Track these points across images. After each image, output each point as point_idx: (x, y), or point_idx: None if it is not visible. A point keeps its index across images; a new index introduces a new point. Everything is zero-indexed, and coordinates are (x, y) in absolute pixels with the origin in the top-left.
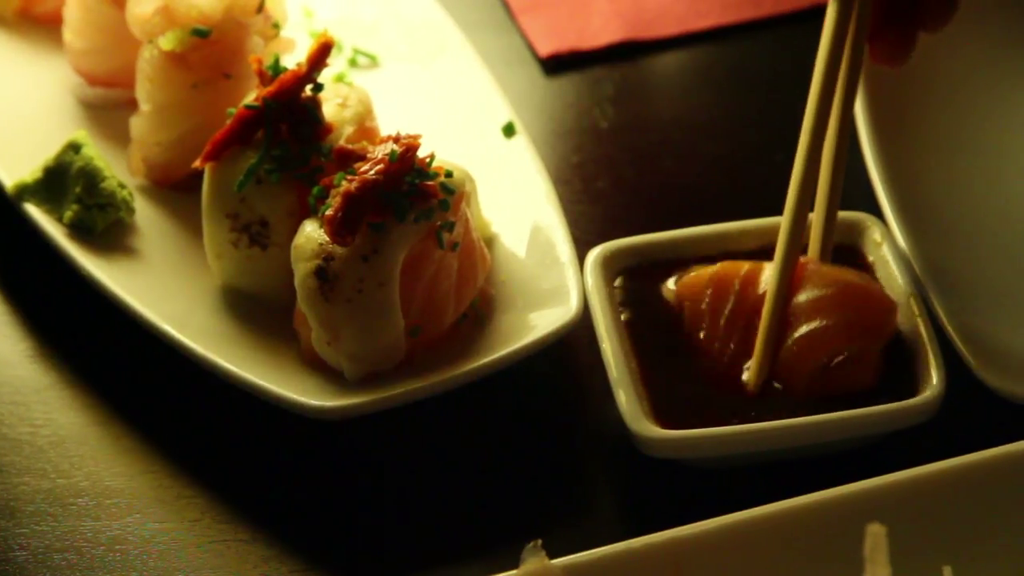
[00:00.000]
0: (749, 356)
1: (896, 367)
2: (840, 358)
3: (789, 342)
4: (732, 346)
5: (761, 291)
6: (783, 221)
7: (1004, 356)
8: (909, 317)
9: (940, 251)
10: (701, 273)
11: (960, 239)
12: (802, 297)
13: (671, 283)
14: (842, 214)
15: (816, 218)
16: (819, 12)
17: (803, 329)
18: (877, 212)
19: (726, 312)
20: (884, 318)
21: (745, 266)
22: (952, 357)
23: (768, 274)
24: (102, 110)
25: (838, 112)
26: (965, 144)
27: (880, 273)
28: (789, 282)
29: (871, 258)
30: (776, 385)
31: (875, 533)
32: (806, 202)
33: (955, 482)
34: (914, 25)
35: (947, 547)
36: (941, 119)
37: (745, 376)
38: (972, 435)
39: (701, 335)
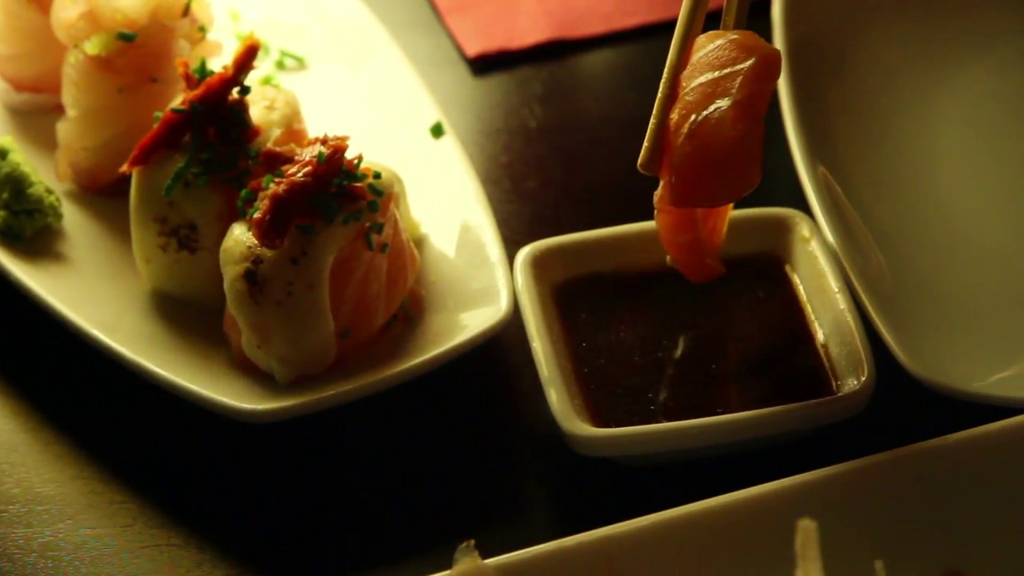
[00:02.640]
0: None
1: (826, 361)
2: (701, 116)
3: (671, 116)
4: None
5: None
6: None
7: (933, 349)
8: (838, 312)
9: (868, 246)
10: None
11: (888, 234)
12: (686, 69)
13: None
14: (771, 210)
15: None
16: None
17: (679, 97)
18: (806, 208)
19: None
20: (743, 66)
21: None
22: (881, 350)
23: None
24: (28, 115)
25: None
26: (891, 140)
27: (809, 268)
28: (684, 61)
29: (800, 254)
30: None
31: (806, 528)
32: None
33: (886, 476)
34: None
35: (878, 541)
36: (868, 116)
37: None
38: (902, 428)
39: None
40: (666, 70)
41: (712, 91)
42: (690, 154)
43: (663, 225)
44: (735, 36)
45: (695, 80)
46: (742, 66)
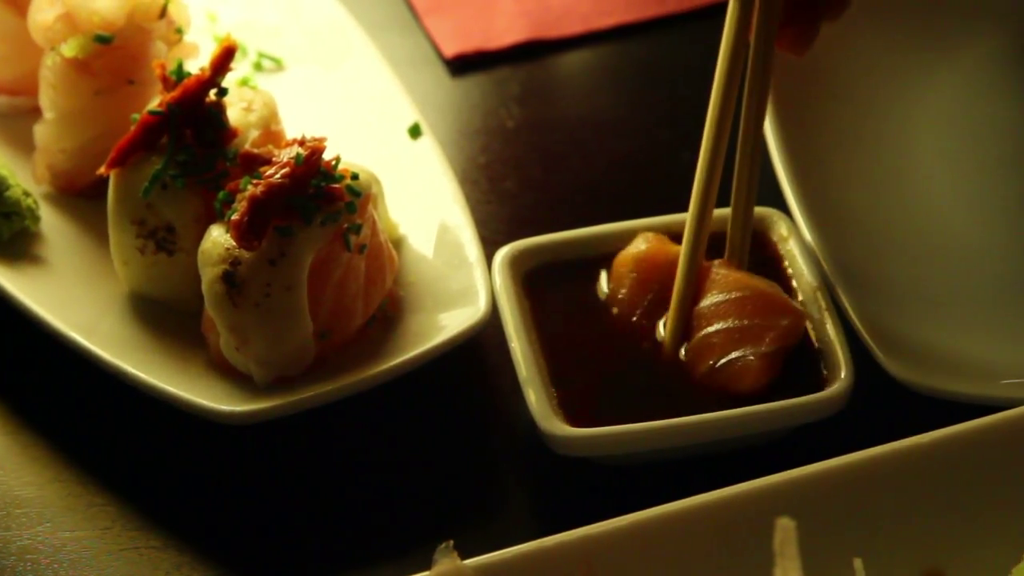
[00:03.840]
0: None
1: (804, 361)
2: (725, 360)
3: (691, 342)
4: (651, 329)
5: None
6: (692, 200)
7: (910, 347)
8: (816, 311)
9: (846, 245)
10: (627, 253)
11: (866, 232)
12: (706, 301)
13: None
14: None
15: (732, 219)
16: (723, 8)
17: (700, 332)
18: (783, 207)
19: (648, 297)
20: (776, 322)
21: (671, 249)
22: (859, 350)
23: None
24: (5, 118)
25: (752, 118)
26: (869, 138)
27: (787, 267)
28: (696, 273)
29: (779, 252)
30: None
31: (784, 527)
32: (713, 186)
33: (864, 474)
34: (817, 14)
35: (857, 539)
36: (845, 114)
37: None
38: (880, 427)
39: (617, 313)
40: (673, 304)
41: (739, 338)
42: (708, 387)
43: None
44: (767, 289)
45: (720, 323)
46: (776, 322)
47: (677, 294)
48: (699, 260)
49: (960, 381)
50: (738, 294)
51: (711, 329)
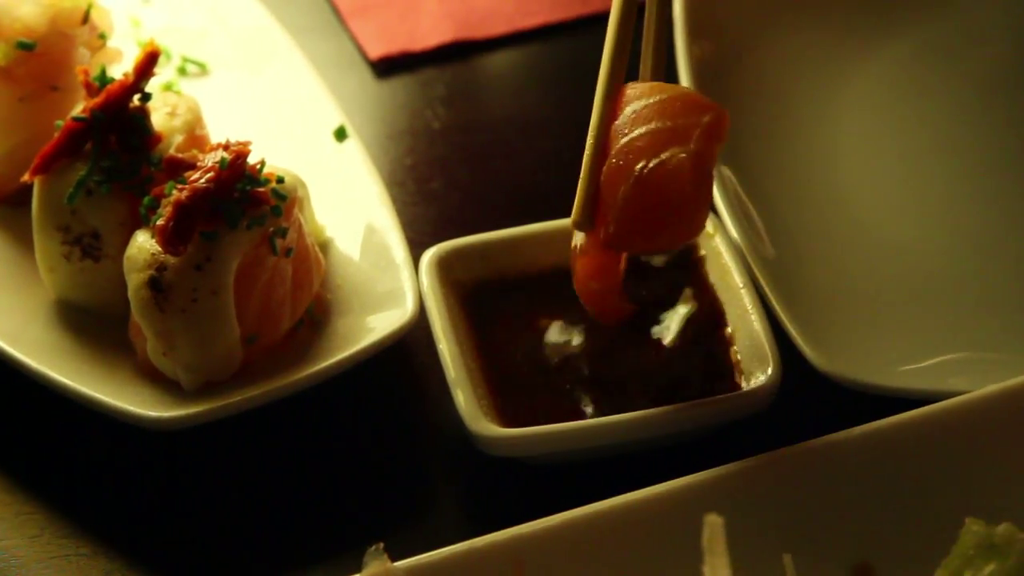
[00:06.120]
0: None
1: (732, 357)
2: (656, 161)
3: (610, 161)
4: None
5: None
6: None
7: (837, 342)
8: (743, 308)
9: (772, 240)
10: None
11: (791, 228)
12: (623, 115)
13: None
14: None
15: (645, 47)
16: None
17: (620, 142)
18: None
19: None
20: (699, 120)
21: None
22: (786, 345)
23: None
24: None
25: None
26: (794, 135)
27: (713, 265)
28: (610, 117)
29: (703, 250)
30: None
31: (712, 523)
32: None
33: (792, 469)
34: None
35: (786, 535)
36: (769, 109)
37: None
38: (809, 421)
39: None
40: (593, 124)
41: (667, 139)
42: (638, 198)
43: (583, 271)
44: (684, 90)
45: (641, 128)
46: (699, 120)
47: (593, 129)
48: (615, 98)
49: (886, 375)
50: (658, 98)
51: (635, 134)
